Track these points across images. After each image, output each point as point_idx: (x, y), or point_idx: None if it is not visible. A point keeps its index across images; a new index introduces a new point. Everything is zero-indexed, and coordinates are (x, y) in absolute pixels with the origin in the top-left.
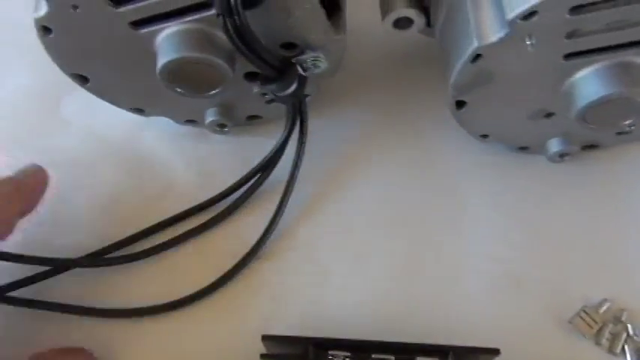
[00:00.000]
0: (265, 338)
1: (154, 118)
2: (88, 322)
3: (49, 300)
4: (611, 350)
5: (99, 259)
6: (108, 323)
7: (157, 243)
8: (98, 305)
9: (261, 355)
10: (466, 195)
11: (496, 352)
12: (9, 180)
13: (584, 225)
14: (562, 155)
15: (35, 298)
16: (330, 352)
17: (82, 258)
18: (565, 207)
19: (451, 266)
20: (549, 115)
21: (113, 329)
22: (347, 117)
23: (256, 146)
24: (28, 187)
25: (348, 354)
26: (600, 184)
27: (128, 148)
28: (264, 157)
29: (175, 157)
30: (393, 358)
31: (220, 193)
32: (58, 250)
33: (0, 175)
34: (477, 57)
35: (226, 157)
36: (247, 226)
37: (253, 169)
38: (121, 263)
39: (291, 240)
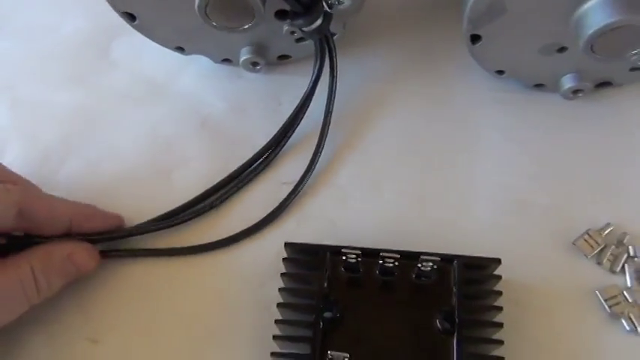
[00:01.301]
0: (287, 245)
1: (192, 60)
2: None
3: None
4: (611, 269)
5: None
6: (179, 260)
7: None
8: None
9: (283, 259)
10: (480, 128)
11: (497, 261)
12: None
13: (592, 156)
14: (575, 92)
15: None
16: (342, 251)
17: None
18: (574, 140)
19: (461, 192)
20: (562, 49)
21: (179, 265)
22: (372, 57)
23: (286, 84)
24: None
25: (359, 252)
26: (611, 120)
27: (169, 86)
28: (303, 95)
29: (212, 94)
30: (398, 256)
31: (265, 146)
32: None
33: None
34: None
35: (258, 94)
36: (287, 165)
37: (294, 109)
38: (193, 218)
39: (321, 174)
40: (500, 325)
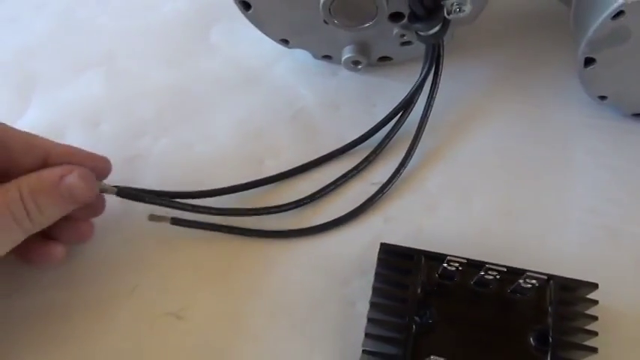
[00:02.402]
0: (383, 245)
1: (289, 53)
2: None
3: None
4: None
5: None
6: (266, 242)
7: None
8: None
9: (378, 259)
10: (573, 152)
11: (595, 286)
12: None
13: None
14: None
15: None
16: (448, 258)
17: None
18: None
19: (550, 212)
20: None
21: (269, 247)
22: (471, 70)
23: (381, 86)
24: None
25: (464, 261)
26: None
27: (264, 75)
28: (404, 97)
29: (306, 87)
30: (504, 269)
31: (360, 137)
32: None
33: None
34: (619, 13)
35: (352, 93)
36: (380, 168)
37: (393, 109)
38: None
39: (409, 178)
40: (594, 350)
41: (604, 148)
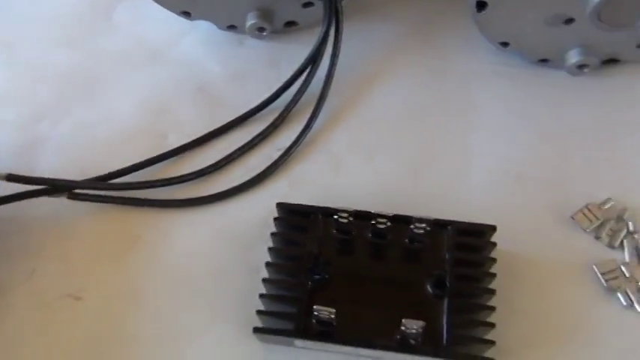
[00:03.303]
0: (279, 205)
1: (195, 27)
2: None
3: None
4: (610, 244)
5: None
6: (166, 213)
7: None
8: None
9: (274, 219)
10: (480, 101)
11: (493, 228)
12: None
13: (595, 132)
14: (581, 67)
15: None
16: (335, 212)
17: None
18: (577, 115)
19: (458, 161)
20: (569, 20)
21: (170, 218)
22: (374, 27)
23: (288, 52)
24: None
25: (351, 213)
26: (615, 96)
27: (169, 51)
28: (307, 56)
29: (212, 60)
30: (390, 215)
31: (264, 101)
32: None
33: None
34: None
35: (259, 61)
36: (287, 133)
37: (296, 70)
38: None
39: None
40: (492, 292)
41: (511, 95)
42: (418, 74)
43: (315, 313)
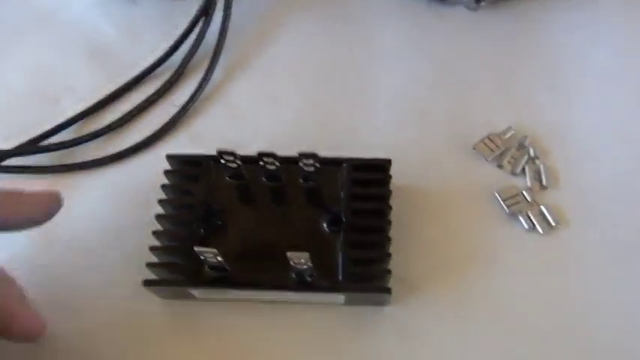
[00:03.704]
0: (169, 157)
1: None
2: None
3: None
4: (512, 171)
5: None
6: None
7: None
8: None
9: (165, 171)
10: (379, 38)
11: (388, 162)
12: None
13: (494, 63)
14: (478, 1)
15: None
16: (223, 158)
17: None
18: (477, 48)
19: (361, 101)
20: None
21: (62, 184)
22: None
23: (184, 8)
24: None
25: (238, 156)
26: (512, 28)
27: (58, 14)
28: (199, 6)
29: (104, 21)
30: (277, 163)
31: (159, 58)
32: None
33: None
34: None
35: (154, 19)
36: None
37: (189, 23)
38: (82, 143)
39: (216, 94)
40: (388, 224)
41: (412, 31)
42: (317, 16)
43: (202, 257)
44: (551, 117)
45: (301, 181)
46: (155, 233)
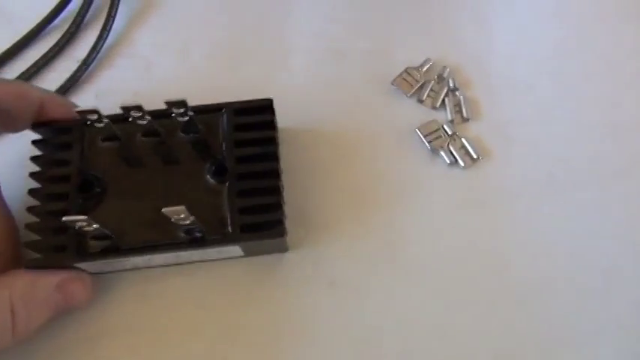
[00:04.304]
0: (34, 126)
1: None
2: None
3: None
4: (432, 105)
5: None
6: None
7: None
8: None
9: (33, 142)
10: None
11: (269, 101)
12: None
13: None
14: None
15: None
16: (88, 120)
17: None
18: None
19: (276, 46)
20: None
21: None
22: None
23: None
24: None
25: (103, 115)
26: None
27: None
28: None
29: None
30: (147, 117)
31: (54, 8)
32: None
33: None
34: None
35: None
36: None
37: None
38: None
39: (121, 45)
40: (276, 166)
41: None
42: None
43: (77, 228)
44: (471, 47)
45: (181, 134)
46: (30, 209)
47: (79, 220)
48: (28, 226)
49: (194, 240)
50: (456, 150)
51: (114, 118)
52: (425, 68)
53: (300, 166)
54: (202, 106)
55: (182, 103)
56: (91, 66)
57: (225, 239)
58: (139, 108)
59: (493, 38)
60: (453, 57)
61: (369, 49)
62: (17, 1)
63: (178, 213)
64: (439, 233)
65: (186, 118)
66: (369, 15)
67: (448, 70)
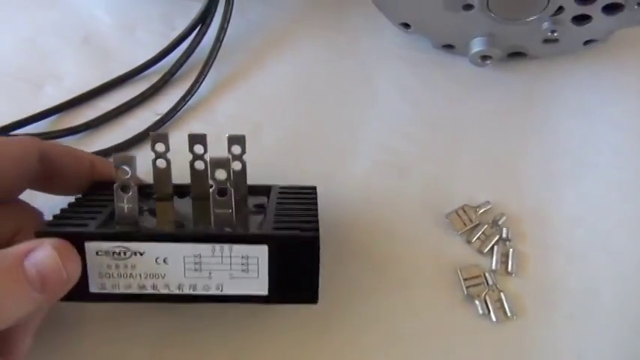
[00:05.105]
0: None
1: None
2: None
3: None
4: (480, 249)
5: None
6: None
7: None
8: None
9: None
10: (378, 85)
11: (312, 188)
12: None
13: (488, 129)
14: (484, 57)
15: None
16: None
17: None
18: (473, 110)
19: (344, 146)
20: (467, 6)
21: None
22: None
23: (185, 10)
24: None
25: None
26: (516, 94)
27: None
28: (198, 12)
29: (102, 8)
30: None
31: (150, 60)
32: None
33: None
34: None
35: (152, 15)
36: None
37: (186, 28)
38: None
39: (200, 110)
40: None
41: (412, 83)
42: (317, 48)
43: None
44: (535, 201)
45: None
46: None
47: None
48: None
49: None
50: (491, 302)
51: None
52: (482, 210)
53: (333, 273)
54: (252, 185)
55: (241, 140)
56: (168, 123)
57: (254, 235)
58: (203, 138)
59: (558, 198)
60: (513, 205)
61: (432, 173)
62: (119, 42)
63: (222, 164)
64: None
65: (240, 167)
66: (441, 140)
67: (505, 218)
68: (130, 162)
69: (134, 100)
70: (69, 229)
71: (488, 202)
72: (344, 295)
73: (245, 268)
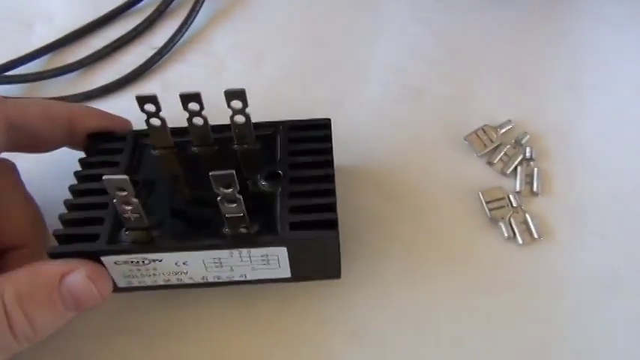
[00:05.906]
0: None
1: None
2: None
3: None
4: (502, 171)
5: None
6: None
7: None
8: None
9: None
10: (386, 3)
11: (326, 121)
12: None
13: (505, 46)
14: None
15: None
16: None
17: None
18: (489, 24)
19: (353, 71)
20: None
21: None
22: None
23: None
24: None
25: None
26: (535, 4)
27: None
28: None
29: None
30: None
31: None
32: None
33: None
34: None
35: None
36: (165, 30)
37: None
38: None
39: (198, 41)
40: (330, 172)
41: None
42: None
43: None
44: (559, 117)
45: (236, 145)
46: (66, 202)
47: (120, 179)
48: (61, 217)
49: (238, 236)
50: (516, 224)
51: (173, 130)
52: (504, 130)
53: (349, 204)
54: (258, 122)
55: (241, 94)
56: (165, 56)
57: (272, 238)
58: (197, 96)
59: (584, 112)
60: (535, 123)
61: (448, 94)
62: None
63: (226, 180)
64: (477, 308)
65: (243, 120)
66: (456, 58)
67: (528, 137)
68: (125, 185)
69: (128, 35)
70: (81, 248)
71: (509, 121)
72: (361, 227)
73: (266, 262)
